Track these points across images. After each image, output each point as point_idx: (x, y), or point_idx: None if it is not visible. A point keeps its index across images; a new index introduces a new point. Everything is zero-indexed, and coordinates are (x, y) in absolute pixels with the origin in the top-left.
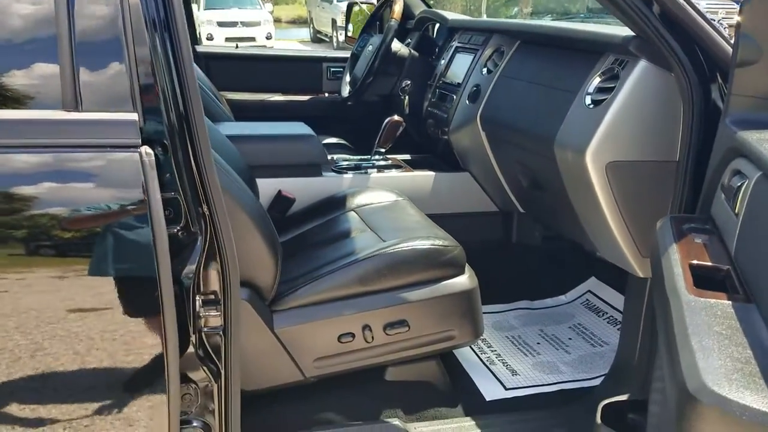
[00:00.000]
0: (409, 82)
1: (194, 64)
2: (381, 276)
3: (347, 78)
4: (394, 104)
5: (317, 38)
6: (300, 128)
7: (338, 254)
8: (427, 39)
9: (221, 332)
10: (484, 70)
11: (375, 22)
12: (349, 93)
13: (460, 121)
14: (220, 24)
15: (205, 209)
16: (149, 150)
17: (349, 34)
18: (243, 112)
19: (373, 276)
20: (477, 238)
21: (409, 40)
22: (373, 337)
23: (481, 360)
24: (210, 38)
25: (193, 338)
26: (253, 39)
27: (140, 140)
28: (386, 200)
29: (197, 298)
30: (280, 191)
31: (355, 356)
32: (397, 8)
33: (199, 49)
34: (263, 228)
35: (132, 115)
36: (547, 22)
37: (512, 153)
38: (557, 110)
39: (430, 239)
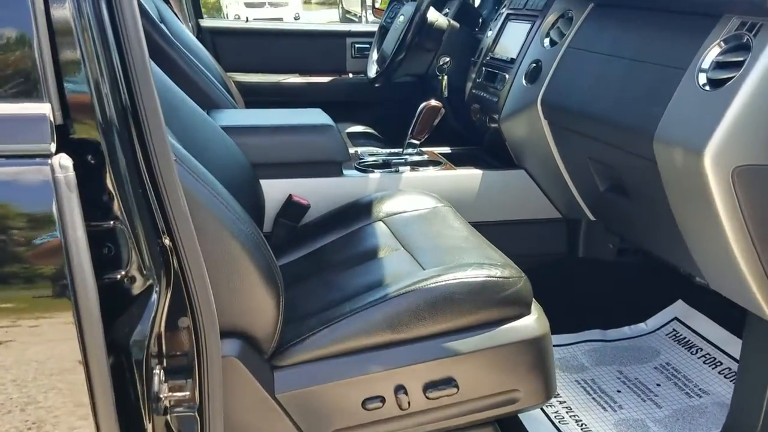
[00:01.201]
0: (448, 59)
1: (197, 41)
2: (420, 319)
3: (374, 55)
4: (429, 86)
5: (346, 18)
6: (316, 116)
7: (362, 284)
8: (469, 8)
9: (196, 412)
10: (546, 42)
11: None
12: (377, 73)
13: (515, 106)
14: (248, 5)
15: (167, 241)
16: (66, 161)
17: (377, 5)
18: (254, 96)
19: (409, 319)
20: (535, 251)
21: (447, 9)
22: (409, 402)
23: (548, 417)
24: (237, 19)
25: (149, 428)
26: (280, 20)
27: (53, 145)
28: (423, 207)
29: (157, 369)
30: (291, 196)
31: (385, 427)
32: None
33: (204, 23)
34: (258, 259)
35: (40, 107)
36: None
37: (585, 147)
38: (655, 93)
39: (484, 267)
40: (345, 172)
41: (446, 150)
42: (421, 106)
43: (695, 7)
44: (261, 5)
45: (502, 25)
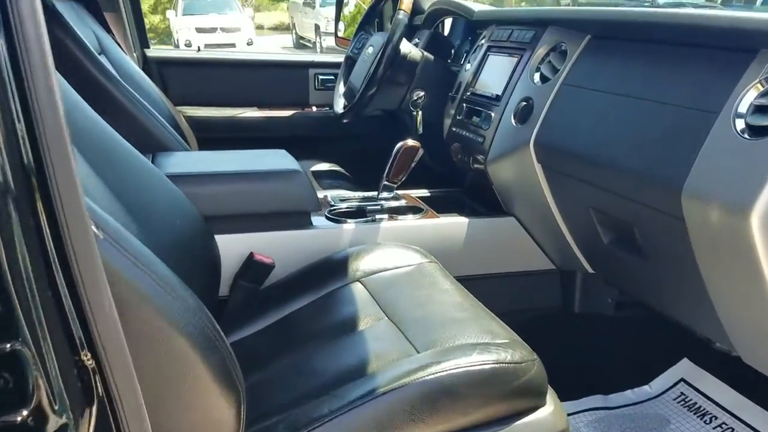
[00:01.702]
0: (422, 93)
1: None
2: (418, 421)
3: (341, 88)
4: (402, 121)
5: (300, 44)
6: (280, 159)
7: (342, 370)
8: (440, 38)
9: None
10: (537, 78)
11: (374, 17)
12: (345, 108)
13: (504, 148)
14: (199, 30)
15: (88, 359)
16: None
17: (340, 34)
18: (208, 132)
19: (405, 422)
20: (527, 306)
21: (417, 39)
22: None
23: None
24: (188, 45)
25: None
26: (233, 45)
27: None
28: (406, 264)
29: None
30: (252, 253)
31: None
32: None
33: (150, 53)
34: (212, 360)
35: None
36: (633, 7)
37: (586, 196)
38: (680, 140)
39: (491, 351)
40: (314, 221)
41: (424, 193)
42: (398, 146)
43: (724, 41)
44: (212, 30)
45: (482, 59)
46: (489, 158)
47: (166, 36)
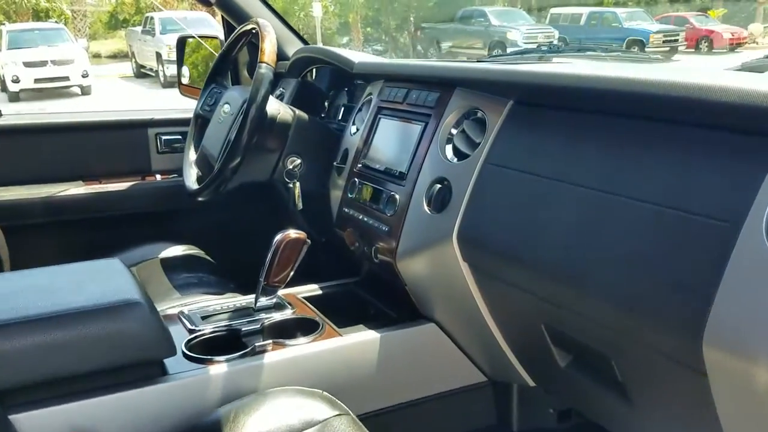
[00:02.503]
0: (298, 161)
1: None
2: None
3: (191, 155)
4: (275, 191)
5: (141, 73)
6: (108, 281)
7: None
8: (310, 89)
9: None
10: (450, 153)
11: (226, 67)
12: (201, 182)
13: (418, 241)
14: (27, 64)
15: None
16: None
17: (185, 81)
18: (19, 219)
19: None
20: (457, 429)
21: (281, 89)
22: None
23: None
24: (16, 81)
25: None
26: (66, 78)
27: None
28: (307, 423)
29: None
30: None
31: None
32: (269, 46)
33: None
34: None
35: None
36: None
37: (534, 310)
38: (683, 258)
39: None
40: (168, 364)
41: (314, 289)
42: (277, 239)
43: (735, 120)
44: (43, 64)
45: (373, 123)
46: (399, 253)
47: None
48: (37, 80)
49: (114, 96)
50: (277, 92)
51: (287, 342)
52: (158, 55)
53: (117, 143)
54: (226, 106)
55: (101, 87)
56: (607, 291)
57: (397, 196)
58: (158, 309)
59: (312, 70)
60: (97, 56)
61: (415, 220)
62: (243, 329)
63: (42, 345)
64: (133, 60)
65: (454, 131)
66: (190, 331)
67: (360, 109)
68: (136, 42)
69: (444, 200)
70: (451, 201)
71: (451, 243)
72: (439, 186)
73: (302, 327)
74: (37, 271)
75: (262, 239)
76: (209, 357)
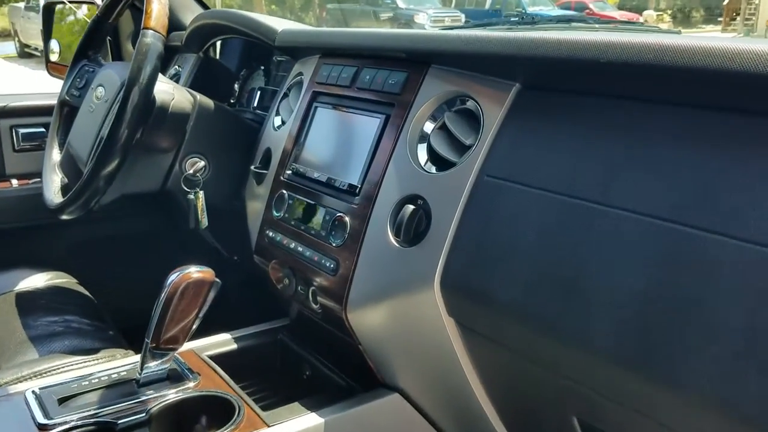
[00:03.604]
0: (202, 163)
1: None
2: None
3: (54, 156)
4: (172, 203)
5: (25, 53)
6: None
7: None
8: (215, 67)
9: None
10: (423, 160)
11: (101, 37)
12: (65, 196)
13: (380, 287)
14: None
15: None
16: None
17: (54, 58)
18: None
19: None
20: None
21: (176, 67)
22: None
23: None
24: None
25: None
26: None
27: None
28: None
29: None
30: None
31: None
32: (158, 7)
33: None
34: None
35: None
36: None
37: (560, 394)
38: None
39: None
40: None
41: (226, 342)
42: (171, 281)
43: None
44: None
45: (306, 113)
46: (351, 300)
47: None
48: None
49: (7, 76)
50: (171, 71)
51: None
52: (44, 33)
53: None
54: (100, 89)
55: None
56: (704, 390)
57: (347, 219)
58: (2, 381)
59: (216, 43)
60: None
61: (376, 255)
62: (119, 422)
63: None
64: (17, 39)
65: (429, 127)
66: (40, 427)
67: (286, 95)
68: (18, 20)
69: (419, 228)
70: (431, 229)
71: (430, 291)
72: (411, 207)
73: (210, 411)
74: None
75: (158, 263)
76: None
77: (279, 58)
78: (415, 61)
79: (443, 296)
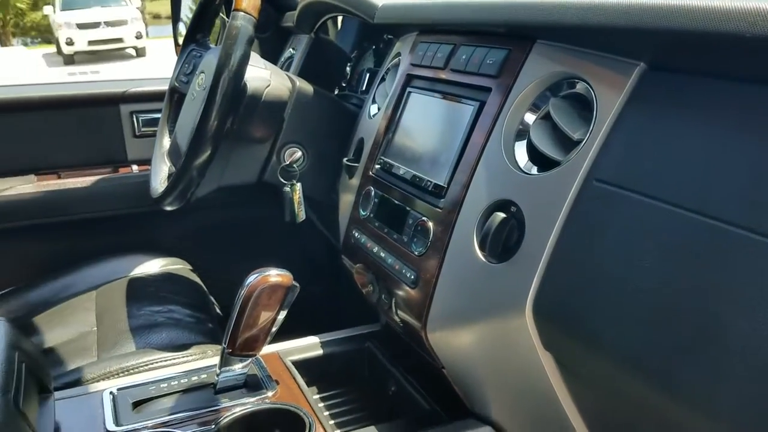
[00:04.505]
0: (299, 153)
1: None
2: None
3: (163, 143)
4: (269, 192)
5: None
6: None
7: None
8: (328, 49)
9: None
10: (523, 158)
11: (211, 19)
12: (167, 186)
13: (462, 308)
14: (81, 26)
15: None
16: None
17: (182, 40)
18: None
19: None
20: None
21: (291, 50)
22: None
23: None
24: (70, 43)
25: None
26: (120, 40)
27: None
28: None
29: None
30: None
31: None
32: None
33: None
34: None
35: None
36: None
37: None
38: None
39: None
40: None
41: (312, 346)
42: (248, 285)
43: None
44: (96, 26)
45: (399, 99)
46: (431, 319)
47: (50, 33)
48: (90, 42)
49: (169, 58)
50: (286, 54)
51: None
52: (174, 16)
53: (81, 125)
54: (202, 75)
55: (158, 48)
56: None
57: (430, 225)
58: (89, 376)
59: (329, 21)
60: (157, 17)
61: (460, 270)
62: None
63: None
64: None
65: (530, 118)
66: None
67: (383, 79)
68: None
69: (510, 241)
70: (524, 243)
71: (521, 317)
72: (501, 215)
73: (281, 425)
74: None
75: (268, 251)
76: None
77: (388, 36)
78: (518, 36)
79: (536, 325)
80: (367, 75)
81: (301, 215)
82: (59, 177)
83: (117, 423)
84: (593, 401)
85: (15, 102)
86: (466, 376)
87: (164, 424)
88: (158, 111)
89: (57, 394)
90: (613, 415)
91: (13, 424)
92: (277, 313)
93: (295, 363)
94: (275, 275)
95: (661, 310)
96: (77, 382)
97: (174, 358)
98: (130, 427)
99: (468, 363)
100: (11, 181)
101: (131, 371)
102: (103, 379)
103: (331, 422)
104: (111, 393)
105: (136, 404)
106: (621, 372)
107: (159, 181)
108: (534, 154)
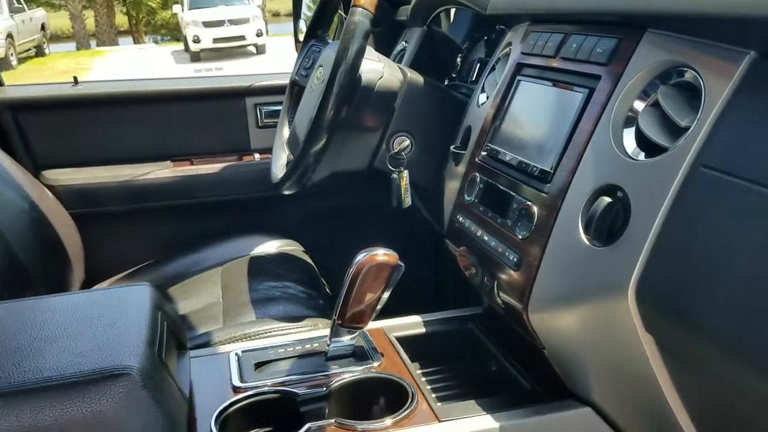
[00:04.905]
0: (408, 141)
1: None
2: None
3: (284, 133)
4: (379, 180)
5: None
6: (113, 332)
7: None
8: (440, 40)
9: None
10: (630, 144)
11: (331, 16)
12: (285, 172)
13: (564, 290)
14: (206, 24)
15: None
16: None
17: (302, 38)
18: (93, 206)
19: None
20: None
21: (404, 43)
22: None
23: None
24: (196, 40)
25: None
26: (242, 38)
27: None
28: None
29: None
30: None
31: None
32: None
33: (2, 94)
34: None
35: None
36: None
37: None
38: None
39: None
40: None
41: (415, 324)
42: (357, 262)
43: None
44: (220, 24)
45: (508, 88)
46: (533, 300)
47: (179, 31)
48: (215, 40)
49: (287, 55)
50: (398, 47)
51: (357, 426)
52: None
53: (211, 116)
54: (320, 69)
55: (276, 46)
56: None
57: (535, 209)
58: (217, 339)
59: (442, 14)
60: (276, 15)
61: (563, 253)
62: (301, 394)
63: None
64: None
65: (639, 106)
66: (235, 390)
67: (493, 68)
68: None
69: (615, 225)
70: (629, 227)
71: (623, 300)
72: (606, 200)
73: (386, 394)
74: (27, 303)
75: (374, 236)
76: None
77: (500, 27)
78: (629, 25)
79: (639, 308)
80: (478, 65)
81: (407, 201)
82: (192, 163)
83: (242, 380)
84: (693, 385)
85: (155, 95)
86: (566, 357)
87: (282, 384)
88: (279, 103)
89: (191, 353)
90: (713, 400)
91: (158, 373)
92: (383, 291)
93: (399, 339)
94: (382, 254)
95: (766, 296)
96: (206, 344)
97: (289, 328)
98: (253, 383)
99: (569, 344)
100: (151, 167)
101: (252, 337)
102: (229, 343)
103: (433, 395)
104: (236, 354)
105: (258, 365)
106: (722, 356)
107: (279, 168)
108: (641, 140)
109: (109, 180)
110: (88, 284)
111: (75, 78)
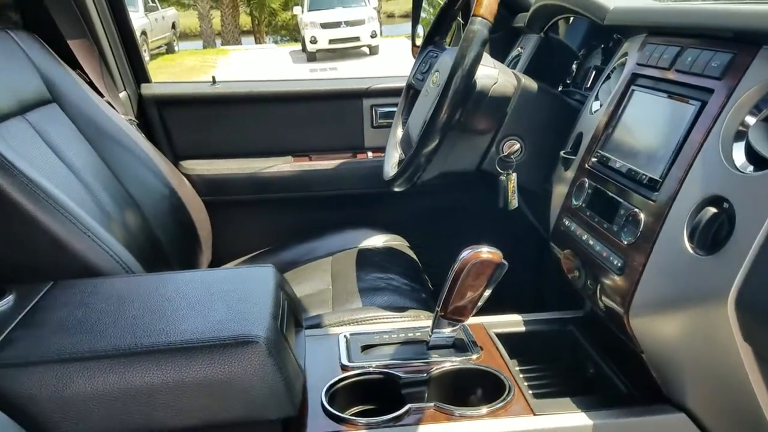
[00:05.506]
0: (518, 145)
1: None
2: None
3: (398, 134)
4: (487, 182)
5: None
6: (243, 306)
7: None
8: (556, 47)
9: None
10: (740, 156)
11: (446, 24)
12: (397, 170)
13: (667, 295)
14: (324, 25)
15: None
16: None
17: (419, 42)
18: (223, 195)
19: None
20: None
21: (519, 49)
22: None
23: None
24: (314, 41)
25: None
26: (357, 39)
27: None
28: None
29: None
30: None
31: None
32: None
33: (147, 90)
34: None
35: None
36: None
37: None
38: None
39: None
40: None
41: (515, 323)
42: (462, 258)
43: None
44: (337, 25)
45: (622, 97)
46: (635, 305)
47: (297, 32)
48: (331, 41)
49: (399, 57)
50: (513, 53)
51: (455, 411)
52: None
53: (329, 115)
54: (436, 74)
55: (389, 48)
56: None
57: (642, 216)
58: (327, 322)
59: (559, 21)
60: (391, 16)
61: (667, 260)
62: (403, 377)
63: (115, 390)
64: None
65: (751, 120)
66: (343, 368)
67: (608, 77)
68: None
69: (719, 235)
70: (732, 238)
71: (723, 308)
72: (713, 211)
73: (484, 385)
74: (169, 276)
75: (477, 235)
76: (349, 417)
77: (617, 36)
78: (745, 41)
79: (738, 317)
80: (593, 72)
81: (514, 203)
82: (310, 159)
83: (349, 360)
84: None
85: (281, 95)
86: (665, 362)
87: (386, 366)
88: (394, 105)
89: (305, 332)
90: None
91: (279, 343)
92: (485, 287)
93: (499, 335)
94: (486, 252)
95: None
96: (318, 326)
97: (393, 317)
98: (359, 364)
99: (668, 349)
100: (273, 161)
101: (359, 322)
102: (338, 326)
103: (530, 391)
104: (345, 336)
105: (364, 348)
106: None
107: (391, 166)
108: (750, 154)
109: (237, 171)
110: (213, 265)
111: (213, 78)
